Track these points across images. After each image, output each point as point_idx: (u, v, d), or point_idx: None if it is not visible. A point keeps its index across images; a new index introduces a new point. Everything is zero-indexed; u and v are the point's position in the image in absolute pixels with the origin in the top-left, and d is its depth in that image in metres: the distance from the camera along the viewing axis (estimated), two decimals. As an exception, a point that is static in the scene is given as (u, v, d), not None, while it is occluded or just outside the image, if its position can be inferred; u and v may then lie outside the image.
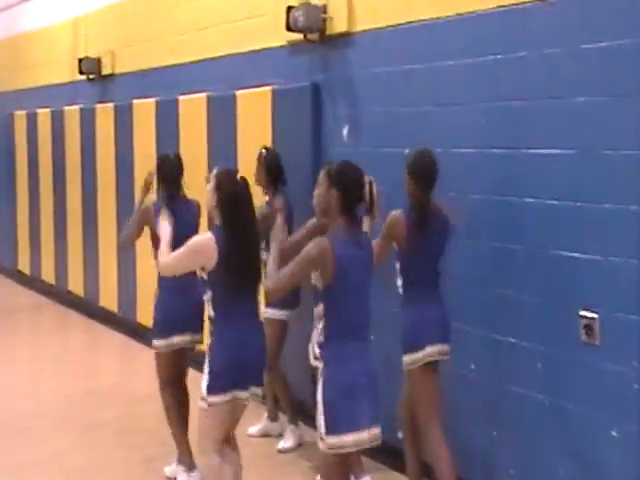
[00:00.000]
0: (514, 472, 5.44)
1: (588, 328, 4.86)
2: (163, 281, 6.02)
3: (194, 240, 4.95)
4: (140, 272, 10.03)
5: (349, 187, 4.44)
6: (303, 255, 4.39)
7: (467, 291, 5.73)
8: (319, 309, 4.51)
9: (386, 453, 6.37)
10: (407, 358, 5.32)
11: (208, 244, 4.83)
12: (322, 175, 4.64)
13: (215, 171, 5.03)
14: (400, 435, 6.27)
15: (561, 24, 5.05)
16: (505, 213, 5.43)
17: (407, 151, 5.45)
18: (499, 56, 5.45)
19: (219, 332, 4.92)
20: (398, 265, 5.37)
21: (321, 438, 4.45)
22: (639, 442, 4.66)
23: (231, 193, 4.89)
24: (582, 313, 4.89)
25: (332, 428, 4.39)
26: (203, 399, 4.89)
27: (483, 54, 5.57)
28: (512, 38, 5.37)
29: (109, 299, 11.18)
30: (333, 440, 4.40)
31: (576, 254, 4.96)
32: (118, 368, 10.12)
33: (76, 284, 12.24)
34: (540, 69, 5.17)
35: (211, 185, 4.95)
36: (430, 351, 5.27)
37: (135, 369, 9.66)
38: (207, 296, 4.93)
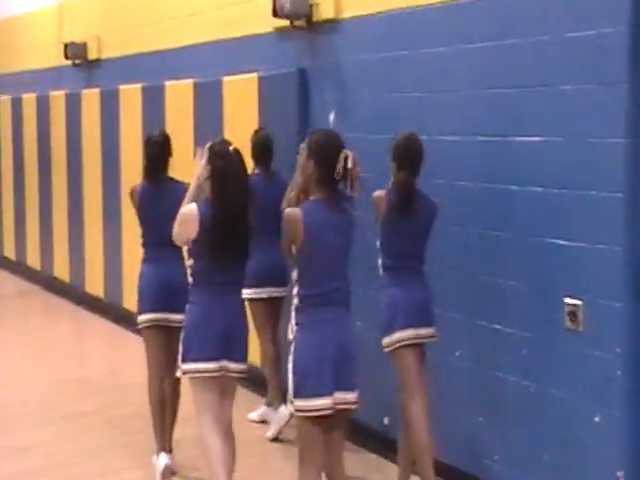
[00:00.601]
0: (499, 457, 5.47)
1: (572, 315, 4.89)
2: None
3: (180, 211, 5.01)
4: (126, 258, 10.01)
5: (325, 160, 4.43)
6: (282, 224, 4.53)
7: (452, 278, 5.75)
8: (294, 274, 4.56)
9: (372, 438, 6.40)
10: (384, 340, 5.32)
11: (189, 215, 4.91)
12: (303, 145, 4.60)
13: (208, 144, 5.05)
14: (386, 421, 6.31)
15: (549, 12, 5.05)
16: (491, 200, 5.45)
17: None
18: (487, 43, 5.45)
19: (193, 300, 5.03)
20: (378, 243, 5.37)
21: (290, 401, 4.52)
22: (622, 427, 4.70)
23: (222, 167, 4.91)
24: (566, 300, 4.92)
25: (299, 391, 4.44)
26: (178, 367, 5.03)
27: (471, 41, 5.57)
28: (500, 25, 5.37)
29: (95, 285, 11.15)
30: (300, 403, 4.44)
31: (561, 241, 4.98)
32: (104, 355, 10.08)
33: (62, 270, 12.20)
34: (528, 57, 5.17)
35: (204, 158, 4.99)
36: (406, 334, 5.25)
37: (121, 356, 9.62)
38: (189, 262, 5.05)
